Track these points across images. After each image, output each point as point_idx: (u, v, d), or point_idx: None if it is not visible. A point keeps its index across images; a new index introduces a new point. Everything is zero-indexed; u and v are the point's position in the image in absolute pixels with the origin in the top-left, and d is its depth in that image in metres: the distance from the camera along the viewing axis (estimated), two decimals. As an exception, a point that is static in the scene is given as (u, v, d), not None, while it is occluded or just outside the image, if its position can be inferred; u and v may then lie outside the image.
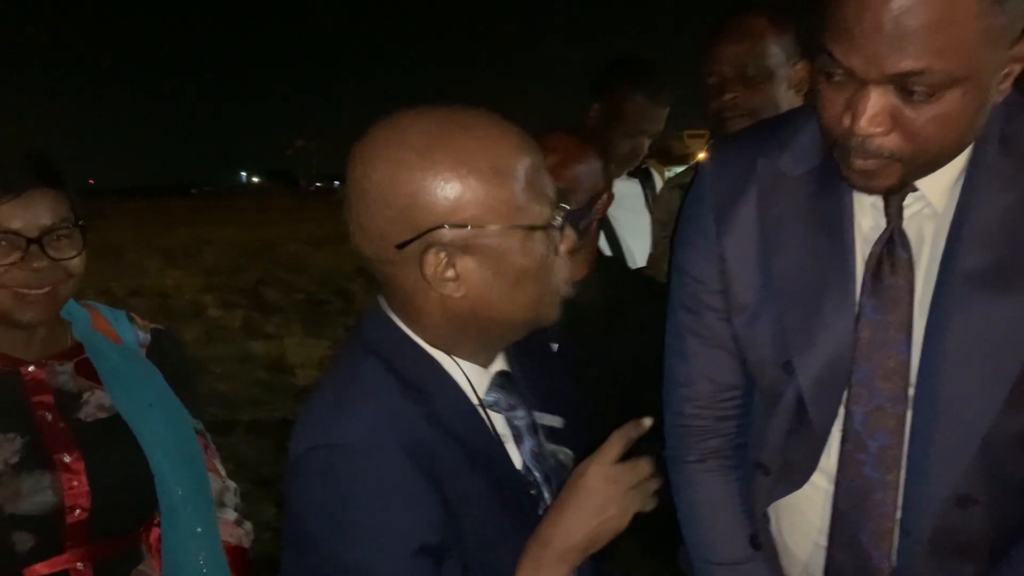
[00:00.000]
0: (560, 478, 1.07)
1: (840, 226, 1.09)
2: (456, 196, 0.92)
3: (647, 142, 2.61)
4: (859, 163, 0.98)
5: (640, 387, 1.41)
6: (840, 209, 1.09)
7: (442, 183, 0.92)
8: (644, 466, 1.03)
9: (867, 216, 1.09)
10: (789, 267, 1.11)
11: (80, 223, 1.38)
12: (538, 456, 1.08)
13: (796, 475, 1.17)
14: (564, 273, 1.02)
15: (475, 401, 1.03)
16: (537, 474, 1.07)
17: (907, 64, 0.89)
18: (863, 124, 0.94)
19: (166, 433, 1.44)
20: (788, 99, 1.94)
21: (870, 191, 1.03)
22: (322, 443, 0.95)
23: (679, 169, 3.66)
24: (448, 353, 1.03)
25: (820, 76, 0.99)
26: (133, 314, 1.58)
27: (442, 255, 0.94)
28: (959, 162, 1.03)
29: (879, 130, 0.94)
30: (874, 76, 0.92)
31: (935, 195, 1.05)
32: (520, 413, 1.07)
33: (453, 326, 1.00)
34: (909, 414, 1.08)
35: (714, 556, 1.25)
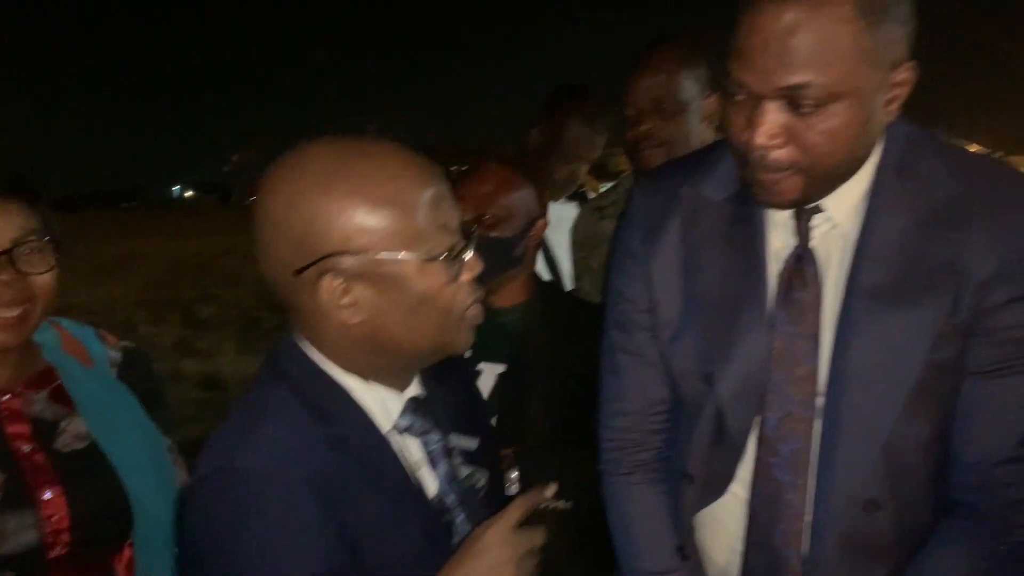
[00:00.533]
0: (474, 502, 1.11)
1: (754, 246, 1.18)
2: (351, 224, 0.95)
3: (585, 167, 2.67)
4: (762, 176, 1.09)
5: (585, 407, 1.46)
6: (754, 230, 1.18)
7: (337, 210, 0.95)
8: (539, 534, 1.05)
9: (779, 236, 1.18)
10: (709, 285, 1.20)
11: (53, 237, 1.32)
12: (452, 480, 1.10)
13: (718, 484, 1.24)
14: (468, 301, 1.05)
15: (386, 427, 1.05)
16: (451, 498, 1.09)
17: (793, 78, 1.00)
18: (760, 138, 1.05)
19: (143, 458, 1.41)
20: (700, 131, 2.03)
21: (776, 205, 1.12)
22: (223, 466, 0.96)
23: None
24: (361, 377, 1.04)
25: (726, 99, 1.09)
26: (102, 331, 1.54)
27: (337, 282, 0.96)
28: (862, 185, 1.13)
29: (775, 142, 1.05)
30: (765, 90, 1.03)
31: (841, 215, 1.15)
32: (434, 437, 1.10)
33: (357, 351, 1.02)
34: (818, 420, 1.16)
35: (643, 566, 1.31)
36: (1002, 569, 1.14)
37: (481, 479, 1.15)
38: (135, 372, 1.52)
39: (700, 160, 1.29)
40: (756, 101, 1.04)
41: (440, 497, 1.09)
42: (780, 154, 1.06)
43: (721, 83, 1.11)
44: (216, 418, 1.05)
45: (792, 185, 1.08)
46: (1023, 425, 1.12)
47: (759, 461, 1.20)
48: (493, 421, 1.59)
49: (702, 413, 1.23)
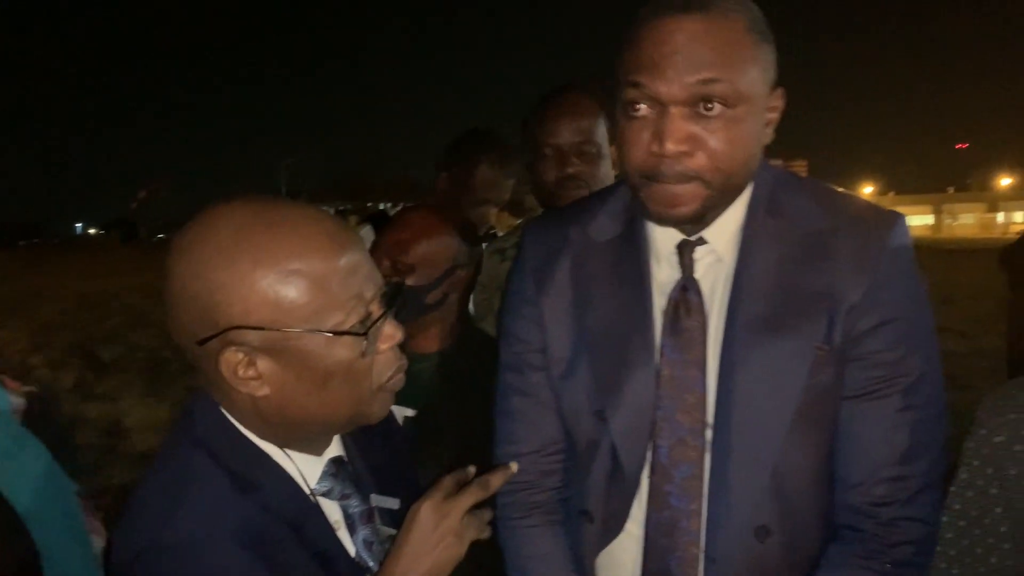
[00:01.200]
0: None
1: (640, 281, 1.24)
2: (254, 296, 0.92)
3: (493, 211, 2.72)
4: (668, 189, 1.11)
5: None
6: (640, 266, 1.25)
7: (240, 282, 0.91)
8: (472, 494, 1.08)
9: (664, 270, 1.24)
10: (598, 322, 1.25)
11: None
12: (371, 545, 1.10)
13: (615, 522, 1.26)
14: (386, 370, 1.04)
15: (307, 491, 1.04)
16: (371, 564, 1.09)
17: (705, 73, 1.06)
18: (670, 145, 1.08)
19: (54, 510, 1.37)
20: (611, 177, 2.10)
21: (675, 219, 1.15)
22: (152, 546, 0.91)
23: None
24: (277, 445, 1.03)
25: (624, 119, 1.14)
26: (3, 377, 1.49)
27: (240, 356, 0.93)
28: (737, 219, 1.21)
29: (683, 148, 1.09)
30: (676, 91, 1.07)
31: (721, 248, 1.21)
32: (354, 502, 1.10)
33: (266, 422, 1.00)
34: (709, 447, 1.20)
35: None
36: None
37: None
38: (42, 418, 1.49)
39: (587, 203, 1.35)
40: (662, 112, 1.09)
41: (359, 562, 1.08)
42: (690, 162, 1.10)
43: (618, 107, 1.15)
44: (118, 467, 1.03)
45: (695, 194, 1.12)
46: (896, 445, 1.17)
47: (653, 489, 1.22)
48: None
49: (598, 450, 1.25)
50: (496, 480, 1.12)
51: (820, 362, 1.15)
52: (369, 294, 1.00)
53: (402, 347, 1.68)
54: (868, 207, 1.22)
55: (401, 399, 1.66)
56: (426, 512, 1.05)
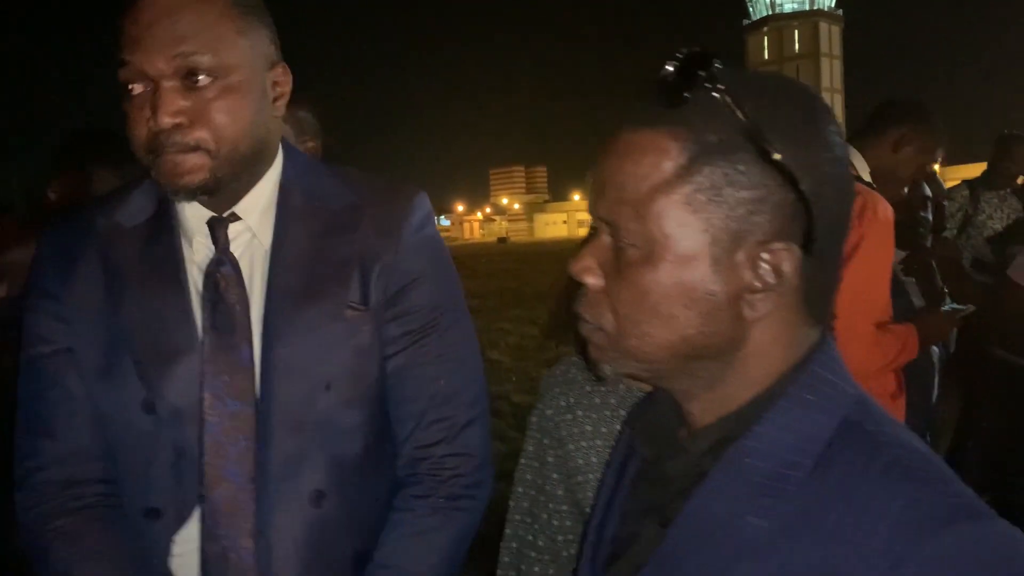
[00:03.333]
0: None
1: (174, 263, 1.22)
2: None
3: None
4: (170, 160, 1.10)
5: None
6: (173, 248, 1.22)
7: None
8: None
9: (200, 250, 1.22)
10: (133, 310, 1.20)
11: None
12: None
13: (187, 510, 1.20)
14: None
15: None
16: None
17: (182, 47, 1.07)
18: (164, 118, 1.08)
19: None
20: None
21: (186, 189, 1.13)
22: None
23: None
24: None
25: (124, 98, 1.12)
26: None
27: None
28: (268, 196, 1.24)
29: (178, 120, 1.08)
30: (160, 65, 1.07)
31: (255, 224, 1.22)
32: None
33: None
34: (257, 417, 1.19)
35: None
36: (447, 519, 1.25)
37: None
38: None
39: (119, 191, 1.30)
40: (155, 88, 1.09)
41: None
42: (186, 134, 1.10)
43: (120, 90, 1.13)
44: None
45: (200, 164, 1.12)
46: (437, 390, 1.25)
47: (208, 466, 1.18)
48: None
49: (156, 443, 1.20)
50: None
51: (355, 323, 1.22)
52: None
53: None
54: (390, 185, 1.31)
55: None
56: None
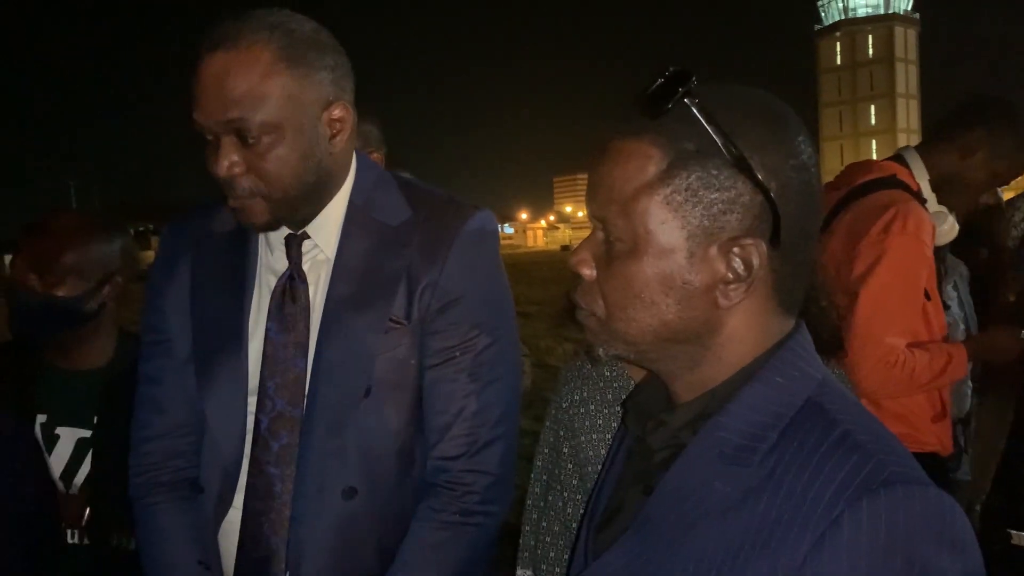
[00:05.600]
0: None
1: (248, 270, 1.37)
2: None
3: None
4: (235, 203, 1.26)
5: None
6: (250, 257, 1.38)
7: None
8: None
9: (278, 261, 1.37)
10: (207, 307, 1.36)
11: None
12: None
13: (227, 494, 1.36)
14: None
15: None
16: None
17: (229, 114, 1.19)
18: (221, 169, 1.22)
19: None
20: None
21: (254, 228, 1.30)
22: None
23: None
24: None
25: (204, 143, 1.25)
26: None
27: None
28: (338, 215, 1.35)
29: (236, 171, 1.22)
30: (212, 125, 1.21)
31: (323, 242, 1.35)
32: None
33: None
34: (303, 417, 1.32)
35: None
36: (457, 535, 1.32)
37: None
38: None
39: (216, 202, 1.40)
40: (218, 140, 1.22)
41: None
42: (242, 182, 1.23)
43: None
44: None
45: (258, 208, 1.25)
46: (466, 406, 1.32)
47: (253, 460, 1.32)
48: (76, 488, 1.66)
49: (208, 427, 1.36)
50: None
51: (396, 335, 1.30)
52: None
53: (61, 363, 1.72)
54: (450, 203, 1.37)
55: (70, 418, 1.68)
56: None
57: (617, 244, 0.84)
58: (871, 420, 0.81)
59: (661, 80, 0.81)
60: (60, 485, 1.67)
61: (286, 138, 1.22)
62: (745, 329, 0.84)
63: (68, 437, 1.69)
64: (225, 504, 1.35)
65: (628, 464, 0.96)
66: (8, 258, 1.81)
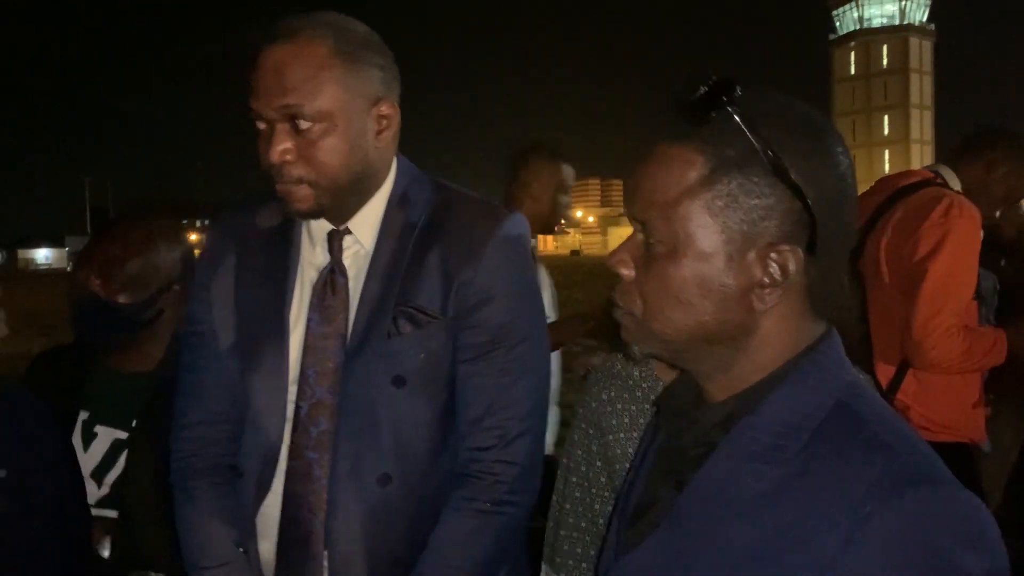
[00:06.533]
0: None
1: (290, 264, 1.43)
2: None
3: None
4: (283, 189, 1.31)
5: None
6: (291, 250, 1.44)
7: None
8: None
9: (319, 255, 1.43)
10: (250, 299, 1.42)
11: None
12: None
13: (266, 477, 1.40)
14: None
15: None
16: None
17: (286, 99, 1.26)
18: (274, 155, 1.28)
19: None
20: None
21: (298, 213, 1.35)
22: None
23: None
24: None
25: (256, 135, 1.31)
26: None
27: None
28: (378, 213, 1.41)
29: (286, 158, 1.29)
30: (270, 113, 1.28)
31: (363, 238, 1.41)
32: None
33: None
34: (340, 405, 1.37)
35: (201, 561, 1.42)
36: (487, 523, 1.37)
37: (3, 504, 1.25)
38: None
39: (262, 197, 1.47)
40: (272, 127, 1.28)
41: None
42: (292, 168, 1.29)
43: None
44: None
45: (305, 195, 1.31)
46: (496, 399, 1.37)
47: (293, 445, 1.38)
48: (106, 487, 1.70)
49: (248, 413, 1.42)
50: None
51: (431, 329, 1.36)
52: None
53: (109, 364, 1.77)
54: (485, 205, 1.44)
55: (110, 417, 1.73)
56: None
57: (657, 246, 0.86)
58: (899, 422, 0.84)
59: (705, 88, 0.84)
60: (92, 483, 1.70)
61: (337, 127, 1.29)
62: (778, 332, 0.87)
63: (105, 436, 1.73)
64: (264, 488, 1.40)
65: (660, 461, 0.99)
66: (22, 253, 1.83)
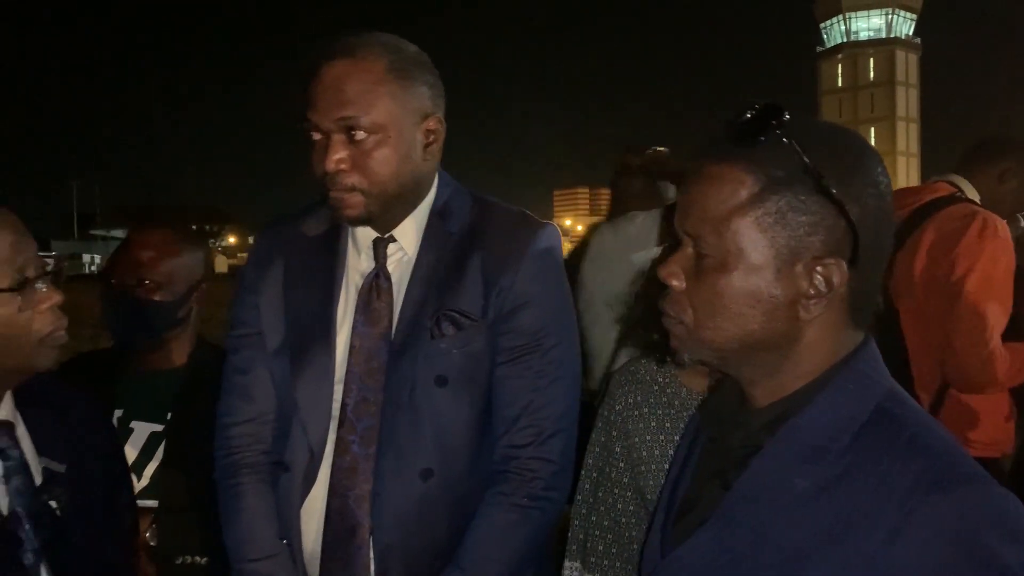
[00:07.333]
0: (46, 518, 1.25)
1: (336, 270, 1.51)
2: None
3: None
4: (334, 195, 1.39)
5: None
6: (337, 257, 1.51)
7: None
8: None
9: (364, 261, 1.50)
10: (298, 302, 1.50)
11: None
12: (22, 495, 1.24)
13: (311, 471, 1.47)
14: (46, 326, 1.24)
15: None
16: (20, 511, 1.23)
17: (343, 112, 1.34)
18: (330, 164, 1.36)
19: None
20: None
21: (347, 220, 1.43)
22: None
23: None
24: None
25: (309, 147, 1.40)
26: None
27: None
28: (421, 223, 1.49)
29: (342, 167, 1.36)
30: (326, 123, 1.36)
31: (407, 245, 1.49)
32: (14, 454, 1.25)
33: None
34: (384, 402, 1.44)
35: (247, 554, 1.48)
36: (525, 517, 1.44)
37: (61, 499, 1.29)
38: None
39: (308, 207, 1.58)
40: (328, 138, 1.36)
41: (12, 510, 1.22)
42: (346, 177, 1.37)
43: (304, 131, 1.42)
44: None
45: (356, 202, 1.39)
46: (532, 400, 1.45)
47: (339, 440, 1.45)
48: (146, 479, 1.77)
49: (296, 410, 1.47)
50: None
51: (471, 331, 1.43)
52: (22, 261, 1.20)
53: (141, 363, 1.86)
54: (522, 216, 1.53)
55: (146, 413, 1.81)
56: None
57: (708, 259, 0.92)
58: (936, 425, 0.90)
59: (754, 113, 0.90)
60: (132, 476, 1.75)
61: (390, 139, 1.38)
62: (821, 340, 0.93)
63: (141, 431, 1.80)
64: (309, 482, 1.46)
65: (705, 462, 1.05)
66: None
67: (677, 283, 0.96)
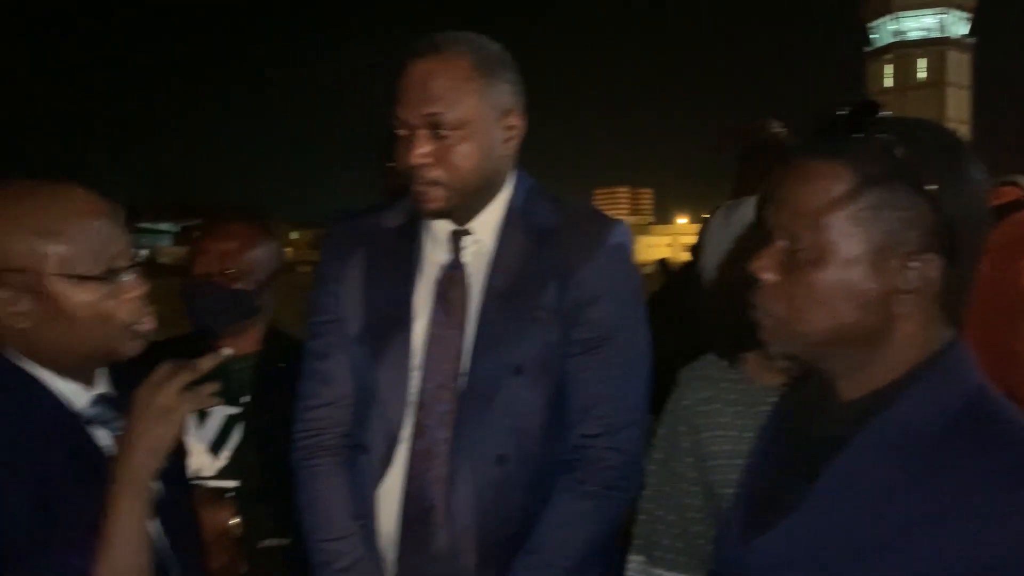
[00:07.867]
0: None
1: (415, 260, 1.56)
2: (17, 247, 1.16)
3: None
4: (419, 189, 1.44)
5: None
6: (416, 248, 1.57)
7: (6, 235, 1.16)
8: (183, 375, 1.22)
9: (440, 252, 1.55)
10: (379, 292, 1.55)
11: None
12: None
13: (388, 454, 1.50)
14: (132, 314, 1.26)
15: (73, 411, 1.24)
16: None
17: (430, 108, 1.39)
18: (415, 157, 1.41)
19: None
20: None
21: (428, 213, 1.48)
22: None
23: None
24: (50, 370, 1.23)
25: (398, 136, 1.45)
26: None
27: (7, 294, 1.17)
28: (497, 216, 1.54)
29: (426, 161, 1.41)
30: (414, 119, 1.40)
31: (484, 237, 1.53)
32: (118, 425, 1.27)
33: (34, 350, 1.21)
34: (460, 389, 1.49)
35: (324, 534, 1.52)
36: (599, 505, 1.48)
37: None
38: None
39: (386, 201, 1.65)
40: (412, 133, 1.41)
41: None
42: (429, 171, 1.42)
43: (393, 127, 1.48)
44: None
45: (437, 195, 1.44)
46: (605, 391, 1.49)
47: (417, 424, 1.49)
48: (223, 461, 1.84)
49: (375, 394, 1.52)
50: (206, 363, 1.26)
51: (546, 323, 1.48)
52: (114, 251, 1.23)
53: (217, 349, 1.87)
54: (595, 213, 1.58)
55: (226, 398, 1.80)
56: (142, 394, 1.20)
57: (802, 253, 0.94)
58: None
59: (851, 110, 0.92)
60: (209, 456, 1.84)
61: (473, 135, 1.42)
62: (913, 335, 0.94)
63: (218, 413, 1.88)
64: (387, 465, 1.50)
65: (788, 453, 1.06)
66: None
67: (770, 277, 0.98)
